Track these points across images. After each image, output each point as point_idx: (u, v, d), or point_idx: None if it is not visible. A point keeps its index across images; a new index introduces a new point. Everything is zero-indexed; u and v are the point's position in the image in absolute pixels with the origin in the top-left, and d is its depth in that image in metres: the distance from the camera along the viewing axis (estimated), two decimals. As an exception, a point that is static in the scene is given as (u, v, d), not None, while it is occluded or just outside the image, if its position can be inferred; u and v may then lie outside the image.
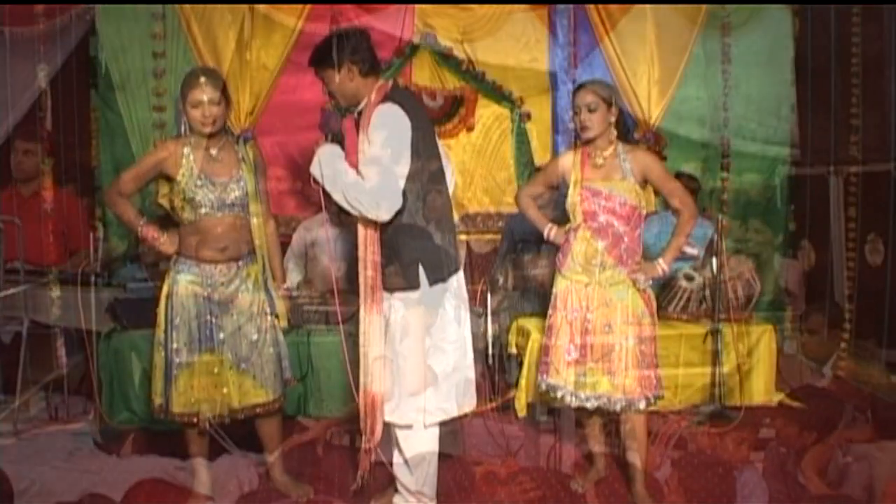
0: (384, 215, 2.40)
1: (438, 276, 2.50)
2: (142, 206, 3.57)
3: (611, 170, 2.74)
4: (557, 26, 4.80)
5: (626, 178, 2.71)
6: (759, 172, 4.82)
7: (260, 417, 2.78)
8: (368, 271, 2.48)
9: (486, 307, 3.60)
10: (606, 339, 2.71)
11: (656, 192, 3.27)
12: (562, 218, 2.89)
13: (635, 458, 2.77)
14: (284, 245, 3.71)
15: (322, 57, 2.52)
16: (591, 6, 4.71)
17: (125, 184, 2.70)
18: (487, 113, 4.86)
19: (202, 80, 2.61)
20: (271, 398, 2.75)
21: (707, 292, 3.67)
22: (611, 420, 2.92)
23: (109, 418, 3.38)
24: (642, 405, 2.70)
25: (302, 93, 4.53)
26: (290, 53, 4.56)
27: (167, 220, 2.81)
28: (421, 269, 2.48)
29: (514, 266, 3.83)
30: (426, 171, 2.49)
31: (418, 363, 2.48)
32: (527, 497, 2.84)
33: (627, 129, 3.03)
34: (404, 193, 2.42)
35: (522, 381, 3.42)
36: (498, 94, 4.82)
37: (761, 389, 3.64)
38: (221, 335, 2.67)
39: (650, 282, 2.78)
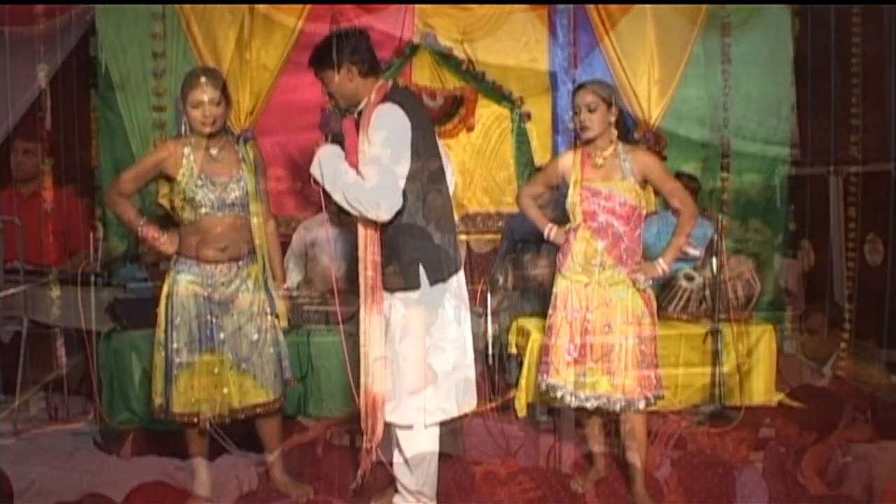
0: (384, 215, 2.40)
1: (439, 276, 2.50)
2: (142, 206, 3.57)
3: (611, 170, 2.74)
4: (557, 26, 4.80)
5: (626, 178, 2.71)
6: (759, 172, 4.83)
7: (260, 417, 2.78)
8: (368, 271, 2.48)
9: (486, 307, 3.60)
10: (606, 339, 2.71)
11: (656, 192, 3.27)
12: (562, 218, 2.89)
13: (635, 458, 2.77)
14: (284, 245, 3.71)
15: (321, 58, 2.52)
16: (591, 6, 4.71)
17: (125, 184, 2.70)
18: (487, 113, 4.86)
19: (203, 80, 2.61)
20: (272, 398, 2.75)
21: (707, 292, 3.67)
22: (610, 420, 2.92)
23: (109, 418, 3.38)
24: (642, 405, 2.70)
25: (302, 93, 4.53)
26: (290, 53, 4.56)
27: (167, 220, 2.81)
28: (421, 269, 2.48)
29: (514, 266, 3.83)
30: (426, 171, 2.49)
31: (418, 363, 2.48)
32: (527, 497, 2.84)
33: (627, 129, 3.03)
34: (404, 193, 2.42)
35: (522, 381, 3.42)
36: (498, 94, 4.82)
37: (761, 389, 3.64)
38: (222, 335, 2.67)
39: (650, 282, 2.78)
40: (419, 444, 2.53)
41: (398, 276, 2.49)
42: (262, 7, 4.55)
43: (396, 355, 2.50)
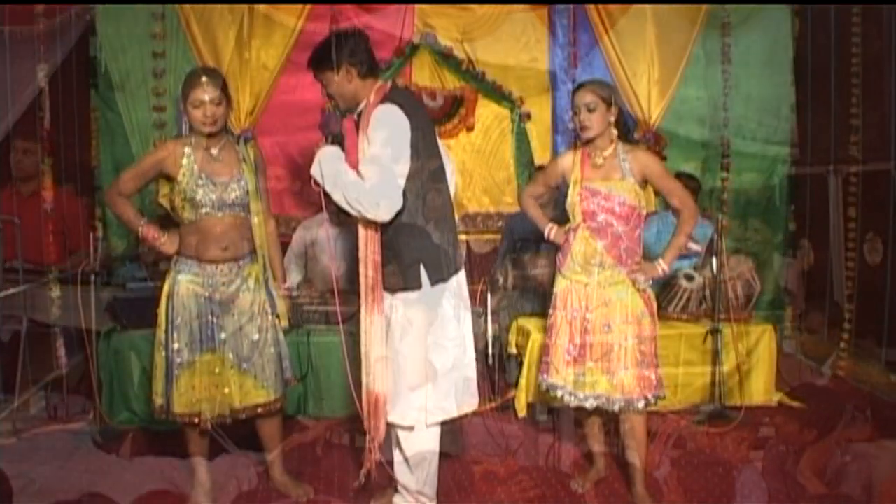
0: (384, 215, 2.40)
1: (440, 276, 2.50)
2: (142, 206, 3.57)
3: (610, 169, 2.74)
4: (557, 26, 4.81)
5: (626, 178, 2.71)
6: (759, 172, 4.83)
7: (261, 417, 2.78)
8: (369, 271, 2.48)
9: (486, 307, 3.60)
10: (605, 338, 2.71)
11: (656, 192, 3.28)
12: (562, 218, 2.89)
13: (635, 457, 2.77)
14: (284, 245, 3.72)
15: (320, 59, 2.52)
16: (591, 6, 4.72)
17: (125, 184, 2.70)
18: (487, 113, 4.87)
19: (203, 79, 2.61)
20: (272, 398, 2.75)
21: (707, 292, 3.67)
22: (610, 420, 2.92)
23: (109, 418, 3.38)
24: (641, 405, 2.70)
25: (302, 93, 4.53)
26: (290, 53, 4.57)
27: (167, 220, 2.81)
28: (422, 270, 2.48)
29: (514, 266, 3.83)
30: (426, 171, 2.49)
31: (419, 363, 2.48)
32: (526, 496, 2.84)
33: (627, 129, 3.02)
34: (404, 193, 2.42)
35: (522, 381, 3.43)
36: (498, 94, 4.82)
37: (761, 389, 3.65)
38: (222, 335, 2.67)
39: (650, 282, 2.77)
40: (419, 443, 2.53)
41: (399, 277, 2.49)
42: (261, 7, 4.56)
43: (397, 355, 2.50)
